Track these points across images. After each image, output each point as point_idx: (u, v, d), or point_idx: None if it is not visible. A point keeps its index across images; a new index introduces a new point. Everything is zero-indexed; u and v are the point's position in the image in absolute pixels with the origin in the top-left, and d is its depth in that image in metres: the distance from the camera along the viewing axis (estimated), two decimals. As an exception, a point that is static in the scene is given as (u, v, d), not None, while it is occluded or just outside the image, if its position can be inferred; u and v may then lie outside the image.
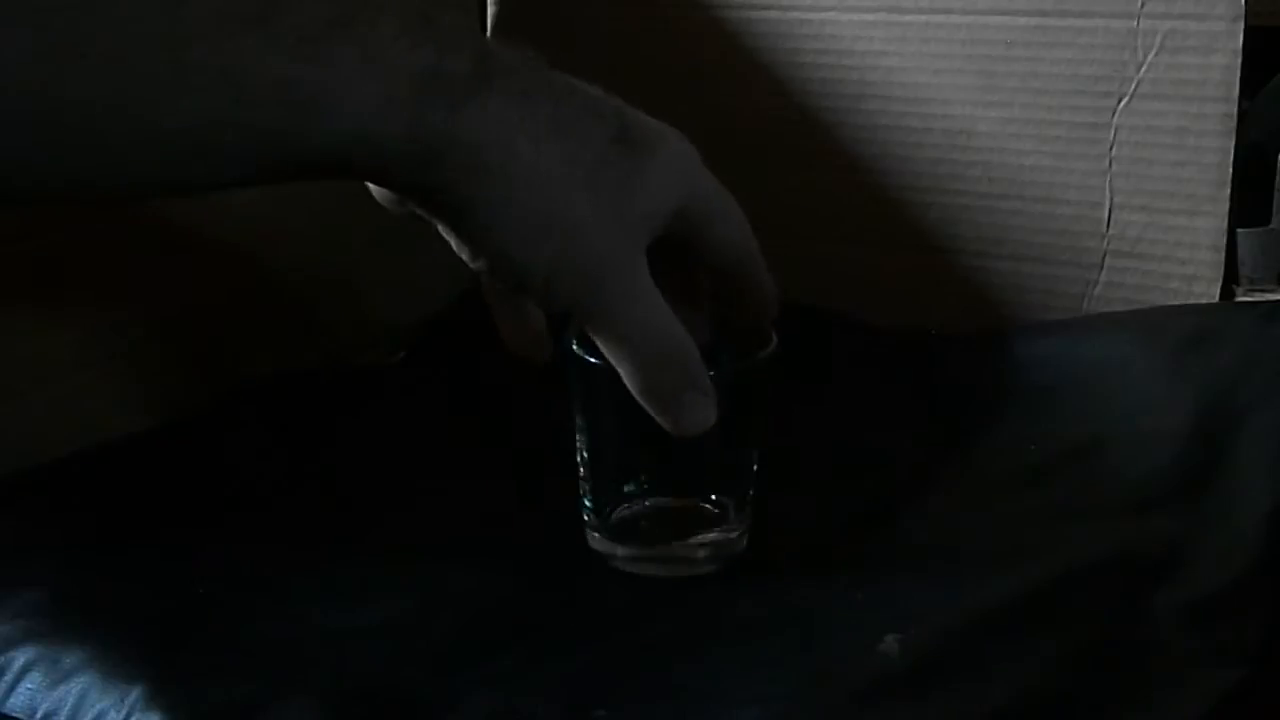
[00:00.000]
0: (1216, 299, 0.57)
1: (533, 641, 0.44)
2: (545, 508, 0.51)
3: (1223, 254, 0.57)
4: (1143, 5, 0.56)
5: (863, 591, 0.45)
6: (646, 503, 0.48)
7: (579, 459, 0.48)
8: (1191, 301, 0.57)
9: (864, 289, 0.65)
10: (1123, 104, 0.57)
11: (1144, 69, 0.57)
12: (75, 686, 0.41)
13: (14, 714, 0.41)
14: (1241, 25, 0.54)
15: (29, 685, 0.41)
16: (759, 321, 0.48)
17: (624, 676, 0.42)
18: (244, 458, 0.55)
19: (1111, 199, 0.59)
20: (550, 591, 0.47)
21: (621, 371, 0.43)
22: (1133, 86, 0.57)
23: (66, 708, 0.40)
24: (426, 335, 0.66)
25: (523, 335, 0.49)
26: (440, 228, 0.42)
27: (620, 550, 0.48)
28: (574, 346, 0.47)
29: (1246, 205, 0.57)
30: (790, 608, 0.45)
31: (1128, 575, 0.44)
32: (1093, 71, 0.58)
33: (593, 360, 0.45)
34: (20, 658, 0.42)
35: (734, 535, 0.48)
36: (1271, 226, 0.56)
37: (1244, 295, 0.57)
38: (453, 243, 0.42)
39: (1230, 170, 0.56)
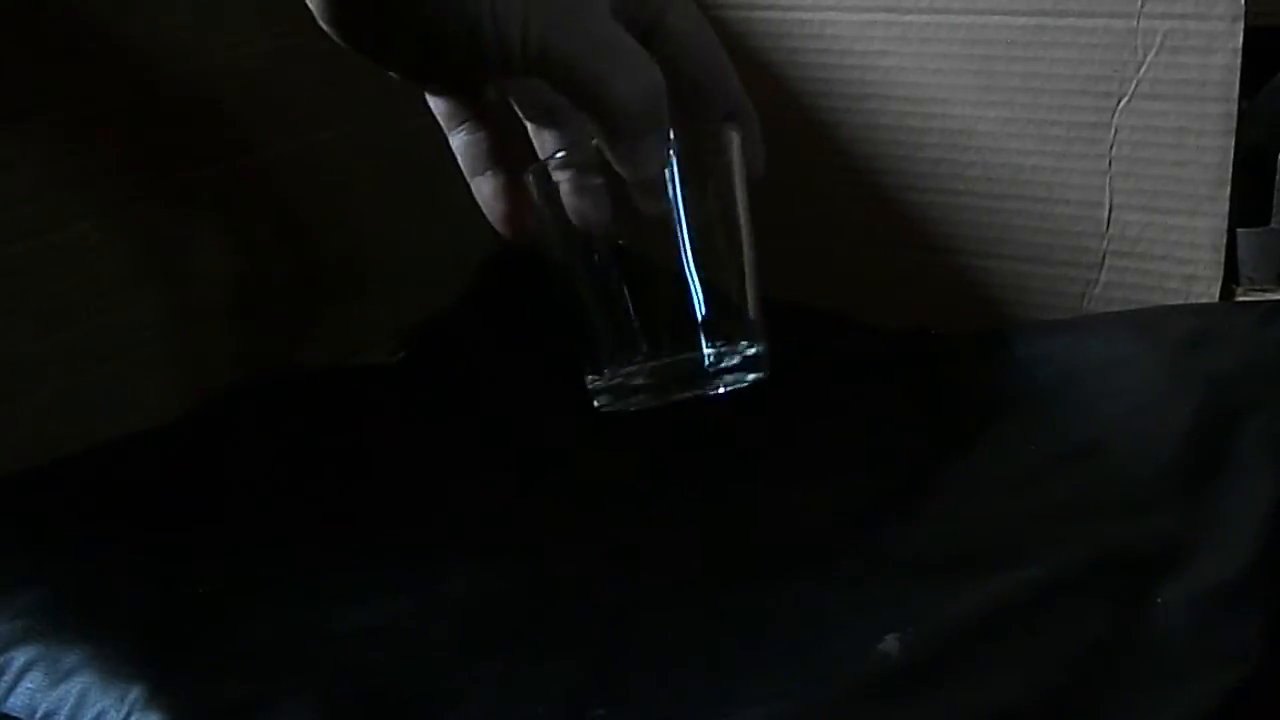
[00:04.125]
0: (1216, 299, 0.57)
1: (533, 641, 0.44)
2: (545, 507, 0.51)
3: (1223, 254, 0.57)
4: (1143, 5, 0.56)
5: (863, 591, 0.45)
6: (650, 363, 0.47)
7: (572, 323, 0.46)
8: (1191, 301, 0.57)
9: (864, 289, 0.65)
10: (1123, 104, 0.57)
11: (1144, 69, 0.57)
12: (75, 686, 0.41)
13: (14, 714, 0.41)
14: (1241, 25, 0.54)
15: (29, 685, 0.42)
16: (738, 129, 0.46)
17: (624, 676, 0.42)
18: (244, 458, 0.55)
19: (1111, 199, 0.59)
20: (550, 591, 0.47)
21: (589, 111, 0.42)
22: (1133, 86, 0.57)
23: (66, 707, 0.40)
24: (426, 335, 0.66)
25: (507, 203, 0.48)
26: (384, 23, 0.40)
27: (633, 403, 0.46)
28: (548, 158, 0.45)
29: (1246, 205, 0.56)
30: (790, 607, 0.45)
31: (1128, 575, 0.44)
32: (1093, 71, 0.58)
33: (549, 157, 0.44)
34: (20, 657, 0.42)
35: (755, 350, 0.47)
36: (1271, 226, 0.56)
37: (1244, 295, 0.57)
38: (395, 43, 0.40)
39: (1230, 170, 0.56)
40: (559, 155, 0.45)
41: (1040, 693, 0.39)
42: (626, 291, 0.46)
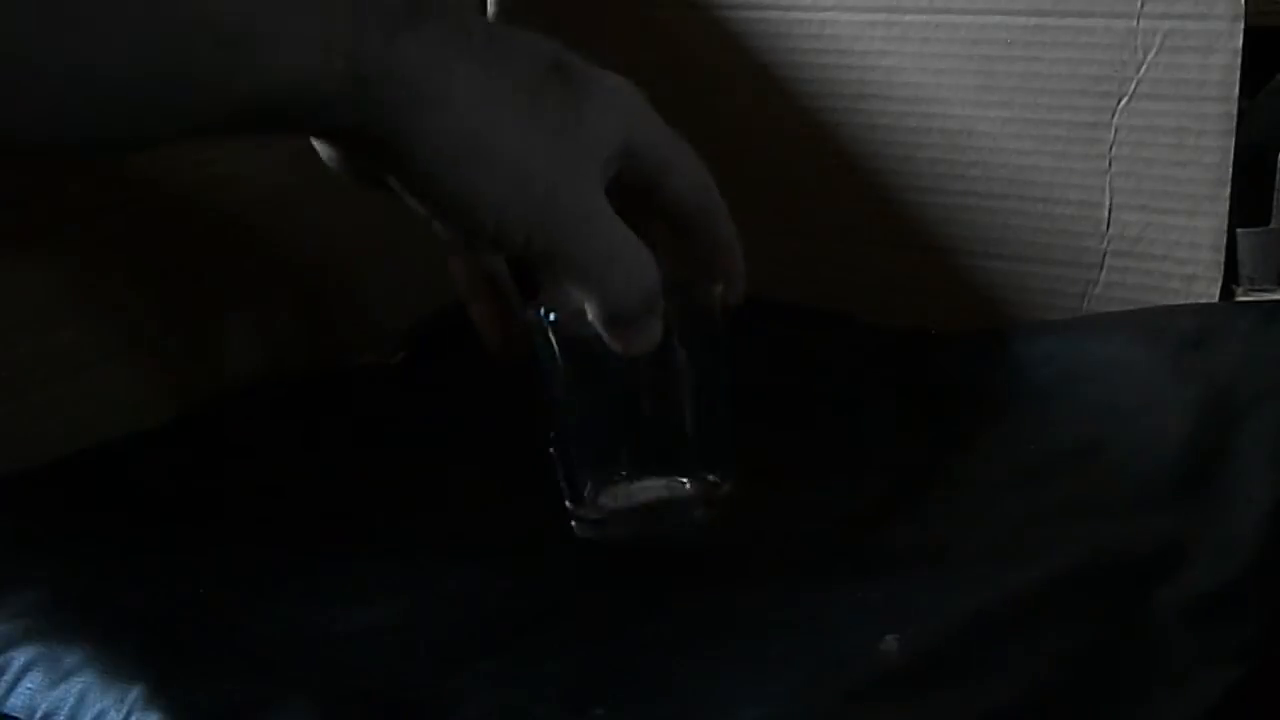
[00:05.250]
0: (1216, 299, 0.57)
1: (533, 641, 0.44)
2: (544, 508, 0.51)
3: (1223, 254, 0.57)
4: (1143, 5, 0.56)
5: (863, 591, 0.45)
6: (631, 484, 0.48)
7: (550, 440, 0.48)
8: (1191, 301, 0.57)
9: (864, 289, 0.65)
10: (1123, 104, 0.57)
11: (1144, 69, 0.57)
12: (75, 686, 0.41)
13: (14, 714, 0.41)
14: (1241, 25, 0.54)
15: (29, 685, 0.41)
16: (723, 276, 0.47)
17: (624, 676, 0.42)
18: (243, 458, 0.55)
19: (1111, 199, 0.59)
20: (550, 591, 0.47)
21: (587, 301, 0.42)
22: (1133, 86, 0.57)
23: (66, 708, 0.40)
24: (426, 335, 0.66)
25: (499, 332, 0.49)
26: (395, 186, 0.41)
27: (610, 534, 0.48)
28: (545, 315, 0.46)
29: (1246, 205, 0.57)
30: (790, 608, 0.45)
31: (1128, 575, 0.44)
32: (1093, 71, 0.58)
33: (547, 314, 0.45)
34: (20, 657, 0.42)
35: (723, 491, 0.48)
36: (1271, 226, 0.56)
37: (1244, 295, 0.57)
38: (407, 200, 0.41)
39: (1230, 170, 0.56)
40: (553, 317, 0.46)
41: (1040, 693, 0.39)
42: (609, 422, 0.48)
